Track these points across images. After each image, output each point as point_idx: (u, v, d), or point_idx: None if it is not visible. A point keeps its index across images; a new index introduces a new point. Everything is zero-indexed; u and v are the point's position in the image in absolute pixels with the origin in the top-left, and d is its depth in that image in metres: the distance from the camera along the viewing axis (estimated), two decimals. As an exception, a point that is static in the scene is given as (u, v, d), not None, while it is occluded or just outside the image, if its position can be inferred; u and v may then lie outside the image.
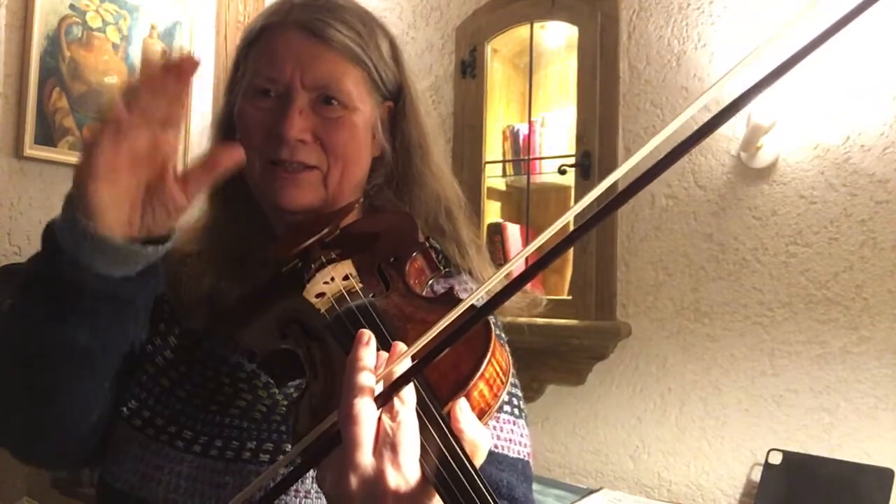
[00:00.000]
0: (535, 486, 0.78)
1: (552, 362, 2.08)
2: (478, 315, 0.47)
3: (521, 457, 0.76)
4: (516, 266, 0.50)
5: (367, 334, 0.52)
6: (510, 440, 0.75)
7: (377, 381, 0.49)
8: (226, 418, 0.73)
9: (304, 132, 0.76)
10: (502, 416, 0.76)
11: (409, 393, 0.48)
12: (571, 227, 0.44)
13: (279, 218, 0.82)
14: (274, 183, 0.77)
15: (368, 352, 0.50)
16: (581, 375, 2.09)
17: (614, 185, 0.44)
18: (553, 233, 0.47)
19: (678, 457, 1.95)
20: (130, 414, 0.74)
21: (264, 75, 0.78)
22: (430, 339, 0.48)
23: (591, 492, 1.95)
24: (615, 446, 2.05)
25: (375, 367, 0.51)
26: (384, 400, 0.48)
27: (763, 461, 1.76)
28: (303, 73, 0.77)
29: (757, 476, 1.77)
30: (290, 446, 0.70)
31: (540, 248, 0.47)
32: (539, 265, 0.44)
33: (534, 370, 2.10)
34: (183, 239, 0.84)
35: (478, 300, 0.50)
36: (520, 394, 0.81)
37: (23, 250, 2.18)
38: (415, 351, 0.50)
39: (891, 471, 1.61)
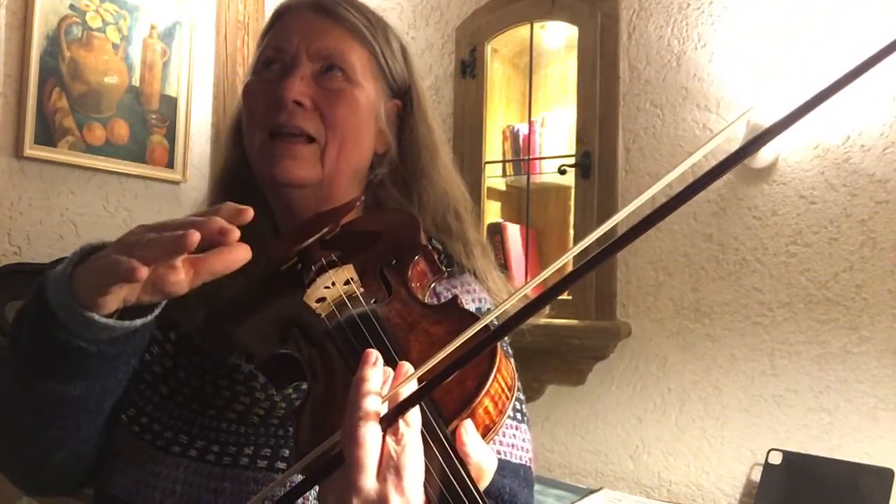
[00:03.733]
0: (535, 486, 0.78)
1: (552, 362, 2.08)
2: (487, 342, 0.45)
3: (523, 462, 0.75)
4: (527, 288, 0.49)
5: (375, 354, 0.50)
6: (512, 446, 0.75)
7: (382, 402, 0.47)
8: (223, 423, 0.72)
9: (302, 95, 0.76)
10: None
11: (414, 415, 0.47)
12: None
13: (279, 201, 0.81)
14: (271, 155, 0.77)
15: (375, 373, 0.49)
16: (581, 375, 2.09)
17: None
18: (566, 260, 0.46)
19: (678, 457, 1.95)
20: (129, 421, 0.73)
21: (272, 46, 0.80)
22: (437, 360, 0.47)
23: (591, 492, 1.95)
24: (615, 446, 2.05)
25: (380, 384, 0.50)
26: (389, 422, 0.46)
27: (763, 461, 1.76)
28: (308, 44, 0.78)
29: (757, 476, 1.77)
30: (287, 452, 0.69)
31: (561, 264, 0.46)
32: (553, 292, 0.43)
33: (534, 370, 2.10)
34: None
35: (485, 319, 0.49)
36: (522, 398, 0.81)
37: (23, 250, 2.18)
38: (422, 373, 0.48)
39: (891, 471, 1.61)
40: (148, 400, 0.74)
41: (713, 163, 0.38)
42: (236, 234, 0.56)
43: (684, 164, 0.41)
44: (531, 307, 0.43)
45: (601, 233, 0.44)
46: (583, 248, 0.45)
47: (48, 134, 2.20)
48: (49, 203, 2.23)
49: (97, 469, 0.74)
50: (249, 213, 0.58)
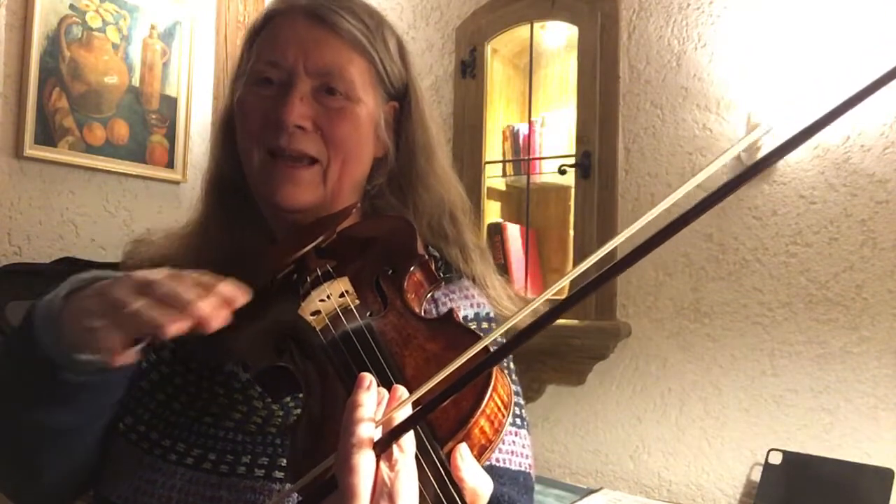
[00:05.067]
0: (535, 486, 0.77)
1: (552, 362, 2.08)
2: (483, 366, 0.44)
3: (523, 469, 0.74)
4: (527, 310, 0.48)
5: (369, 378, 0.49)
6: (511, 452, 0.74)
7: (376, 427, 0.47)
8: (220, 431, 0.71)
9: (303, 119, 0.74)
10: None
11: (408, 440, 0.46)
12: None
13: (276, 216, 0.80)
14: (272, 179, 0.75)
15: (369, 397, 0.48)
16: (581, 375, 2.09)
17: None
18: (569, 279, 0.45)
19: (678, 457, 1.95)
20: (126, 429, 0.73)
21: (266, 60, 0.77)
22: (432, 384, 0.46)
23: (591, 492, 1.95)
24: (615, 446, 2.05)
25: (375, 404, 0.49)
26: (383, 448, 0.45)
27: (763, 461, 1.76)
28: (306, 58, 0.75)
29: (757, 476, 1.77)
30: (285, 461, 0.68)
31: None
32: (550, 316, 0.42)
33: (534, 370, 2.10)
34: (172, 243, 0.84)
35: (484, 341, 0.48)
36: (522, 402, 0.79)
37: (22, 250, 2.17)
38: (416, 397, 0.47)
39: (891, 471, 1.61)
40: (145, 408, 0.74)
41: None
42: (218, 322, 0.55)
43: (691, 182, 0.40)
44: (530, 329, 0.42)
45: (603, 253, 0.43)
46: (583, 269, 0.44)
47: (48, 134, 2.20)
48: (49, 203, 2.23)
49: (93, 479, 0.74)
50: (242, 299, 0.57)
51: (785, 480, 1.71)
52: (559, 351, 2.04)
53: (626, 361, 2.04)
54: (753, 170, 0.36)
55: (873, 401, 1.69)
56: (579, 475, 2.10)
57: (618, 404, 2.05)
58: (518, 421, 0.77)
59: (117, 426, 0.73)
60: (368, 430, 0.46)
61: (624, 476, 2.03)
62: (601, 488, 2.00)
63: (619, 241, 0.42)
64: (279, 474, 0.68)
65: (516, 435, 0.75)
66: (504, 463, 0.72)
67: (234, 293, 0.56)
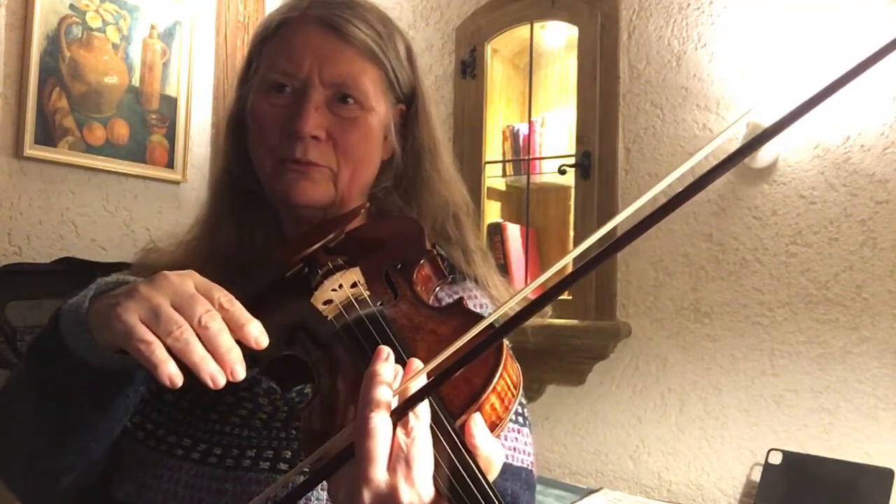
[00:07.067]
0: (536, 487, 0.78)
1: (552, 362, 2.08)
2: (494, 336, 0.46)
3: (525, 465, 0.75)
4: (528, 289, 0.50)
5: (386, 350, 0.51)
6: (514, 449, 0.75)
7: (393, 396, 0.48)
8: (226, 427, 0.72)
9: (318, 129, 0.75)
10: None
11: (423, 408, 0.48)
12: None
13: (288, 215, 0.82)
14: (285, 178, 0.77)
15: (387, 368, 0.50)
16: (581, 375, 2.09)
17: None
18: (569, 259, 0.46)
19: (678, 457, 1.95)
20: (134, 427, 0.74)
21: (281, 69, 0.77)
22: (445, 356, 0.48)
23: (591, 492, 1.95)
24: (615, 446, 2.05)
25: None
26: (399, 415, 0.47)
27: (763, 461, 1.76)
28: (321, 69, 0.76)
29: (757, 476, 1.77)
30: (290, 453, 0.70)
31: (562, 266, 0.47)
32: (557, 289, 0.43)
33: (534, 370, 2.10)
34: (179, 249, 0.84)
35: (492, 316, 0.50)
36: (524, 401, 0.81)
37: (23, 250, 2.17)
38: (431, 368, 0.49)
39: (891, 471, 1.61)
40: (153, 406, 0.75)
41: (713, 163, 0.38)
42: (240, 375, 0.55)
43: (685, 165, 0.42)
44: (534, 305, 0.44)
45: (602, 234, 0.44)
46: (583, 249, 0.46)
47: (48, 134, 2.19)
48: (49, 203, 2.23)
49: (101, 484, 0.75)
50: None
51: (785, 480, 1.71)
52: (559, 351, 2.04)
53: (626, 361, 2.04)
54: (752, 144, 0.37)
55: (873, 401, 1.69)
56: (579, 475, 2.10)
57: (618, 404, 2.05)
58: (520, 419, 0.78)
59: (125, 425, 0.74)
60: (386, 396, 0.47)
61: (624, 476, 2.03)
62: (601, 488, 2.00)
63: (621, 219, 0.43)
64: (284, 466, 0.69)
65: (519, 432, 0.77)
66: (507, 459, 0.73)
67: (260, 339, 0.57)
